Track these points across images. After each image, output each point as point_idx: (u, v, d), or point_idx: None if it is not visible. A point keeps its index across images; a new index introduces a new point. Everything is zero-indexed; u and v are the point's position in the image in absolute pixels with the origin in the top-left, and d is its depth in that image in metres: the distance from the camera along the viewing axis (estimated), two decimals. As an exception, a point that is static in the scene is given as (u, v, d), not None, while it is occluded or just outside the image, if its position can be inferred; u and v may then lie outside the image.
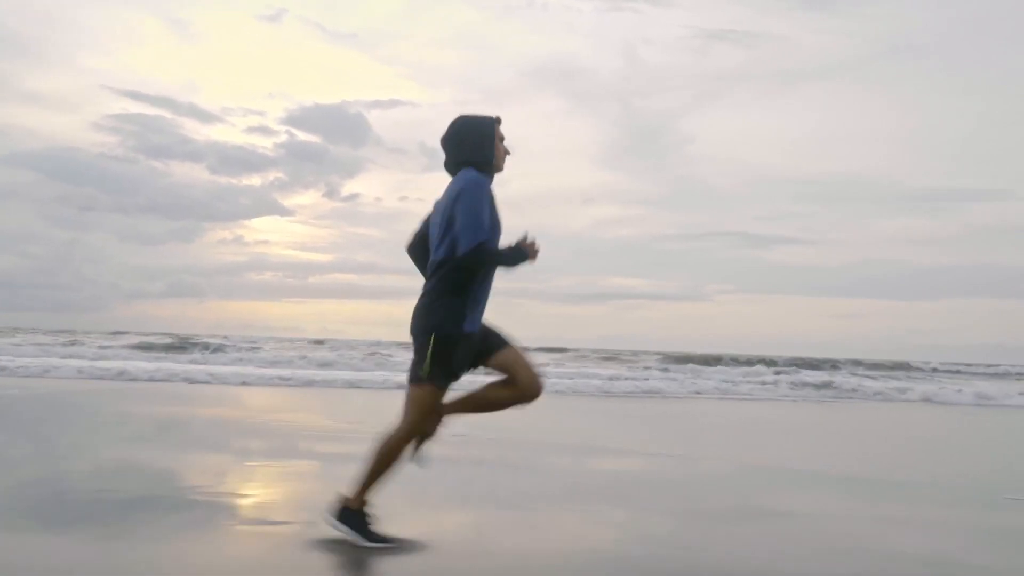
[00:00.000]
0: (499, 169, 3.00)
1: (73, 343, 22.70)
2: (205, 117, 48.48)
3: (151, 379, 11.90)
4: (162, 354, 18.60)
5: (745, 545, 3.20)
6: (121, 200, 45.91)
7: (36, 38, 42.02)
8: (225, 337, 31.09)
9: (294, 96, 57.09)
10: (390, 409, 3.15)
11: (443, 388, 2.86)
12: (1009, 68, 43.70)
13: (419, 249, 3.06)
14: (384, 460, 2.86)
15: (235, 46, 51.54)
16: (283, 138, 45.65)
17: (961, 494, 4.78)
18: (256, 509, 3.56)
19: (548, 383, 3.10)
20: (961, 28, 45.74)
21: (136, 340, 24.97)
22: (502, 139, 3.00)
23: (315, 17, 50.81)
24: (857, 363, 28.17)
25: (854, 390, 15.27)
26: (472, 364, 2.91)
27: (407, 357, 3.22)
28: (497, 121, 2.99)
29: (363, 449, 2.97)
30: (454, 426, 3.17)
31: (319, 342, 29.40)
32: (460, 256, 2.78)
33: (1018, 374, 28.28)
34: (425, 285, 2.91)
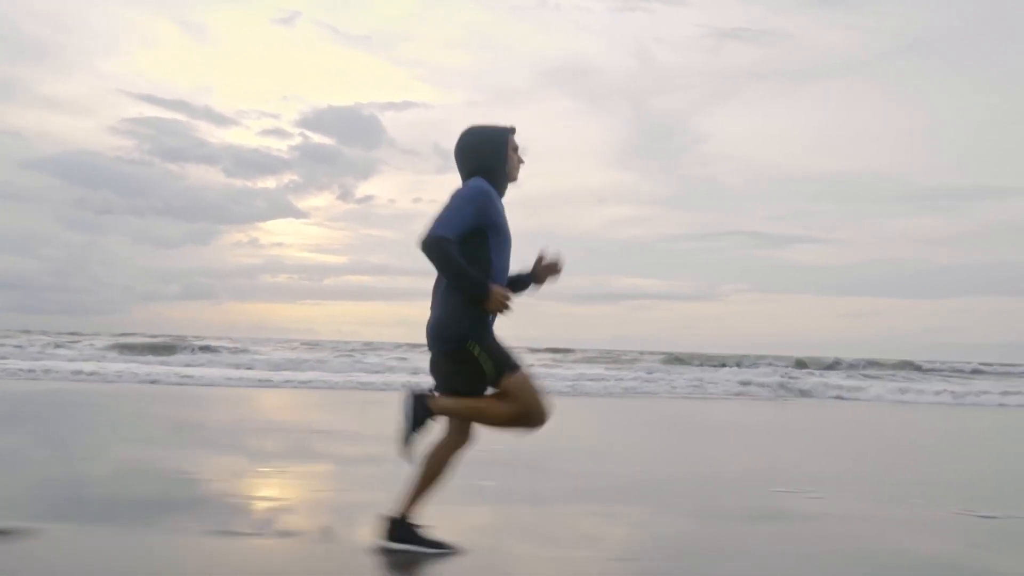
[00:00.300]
0: (513, 179, 3.00)
1: (59, 346, 22.74)
2: (220, 120, 49.55)
3: (108, 381, 12.32)
4: (138, 356, 18.88)
5: (761, 547, 3.31)
6: (137, 203, 47.53)
7: (53, 43, 42.86)
8: (230, 339, 31.26)
9: (308, 98, 57.92)
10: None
11: (518, 368, 2.84)
12: (1022, 65, 43.88)
13: None
14: (491, 420, 2.85)
15: (249, 49, 52.78)
16: (297, 140, 46.84)
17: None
18: (270, 513, 3.67)
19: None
20: (973, 24, 45.96)
21: (111, 341, 25.01)
22: (516, 148, 3.00)
23: (328, 19, 52.03)
24: (871, 363, 28.27)
25: (858, 388, 15.61)
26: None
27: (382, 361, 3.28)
28: (511, 131, 3.00)
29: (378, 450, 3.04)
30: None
31: (312, 344, 29.56)
32: (419, 241, 2.76)
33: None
34: (441, 290, 2.88)
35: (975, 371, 28.33)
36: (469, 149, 2.96)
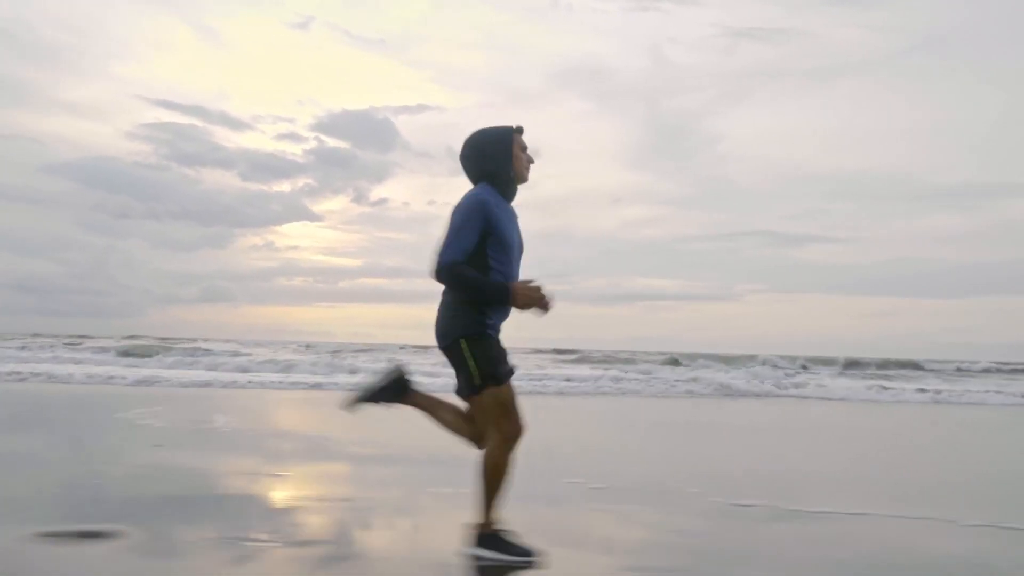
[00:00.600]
0: (522, 180, 3.02)
1: (52, 347, 22.92)
2: (236, 125, 51.32)
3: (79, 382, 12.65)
4: (127, 359, 19.16)
5: (777, 547, 3.41)
6: (154, 207, 49.33)
7: (71, 48, 44.18)
8: (229, 341, 31.47)
9: (323, 102, 60.05)
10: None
11: (504, 381, 2.89)
12: (1042, 60, 43.75)
13: None
14: (494, 477, 2.88)
15: (264, 54, 54.68)
16: (312, 144, 48.72)
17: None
18: (285, 517, 3.76)
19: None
20: (991, 20, 46.03)
21: (114, 344, 25.19)
22: (524, 148, 3.01)
23: (342, 23, 53.64)
24: (887, 363, 28.30)
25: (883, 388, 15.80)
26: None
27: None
28: (517, 130, 3.00)
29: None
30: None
31: (309, 346, 29.69)
32: (432, 272, 2.83)
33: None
34: (443, 289, 2.95)
35: (985, 370, 28.49)
36: (475, 153, 2.98)
